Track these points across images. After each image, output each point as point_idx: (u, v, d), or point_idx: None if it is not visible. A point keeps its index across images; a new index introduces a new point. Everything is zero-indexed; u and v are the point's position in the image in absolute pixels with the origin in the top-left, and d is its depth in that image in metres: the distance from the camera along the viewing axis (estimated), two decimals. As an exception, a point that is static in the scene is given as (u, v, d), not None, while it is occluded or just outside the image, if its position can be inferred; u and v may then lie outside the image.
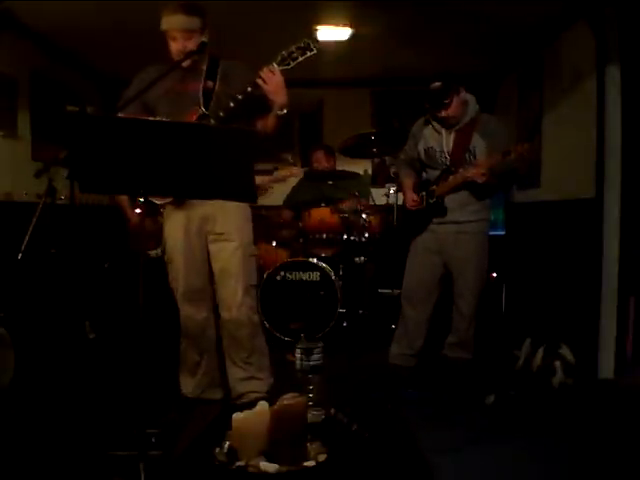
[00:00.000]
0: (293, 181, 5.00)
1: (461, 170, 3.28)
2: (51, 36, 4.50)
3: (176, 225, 2.88)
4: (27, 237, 3.26)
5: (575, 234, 3.97)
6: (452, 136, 3.35)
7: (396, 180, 4.34)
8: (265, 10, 3.97)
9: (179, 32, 2.69)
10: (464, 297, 3.37)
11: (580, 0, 3.71)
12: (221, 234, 2.86)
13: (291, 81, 2.74)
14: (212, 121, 2.71)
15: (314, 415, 2.50)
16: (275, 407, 2.10)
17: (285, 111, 2.76)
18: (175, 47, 2.72)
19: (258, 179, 4.58)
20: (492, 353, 3.81)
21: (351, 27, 4.39)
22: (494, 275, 4.64)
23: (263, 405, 2.14)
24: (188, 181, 2.09)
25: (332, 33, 4.43)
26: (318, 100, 6.03)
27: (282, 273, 4.36)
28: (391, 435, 2.73)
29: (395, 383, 3.40)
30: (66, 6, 3.81)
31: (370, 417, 2.83)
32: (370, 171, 6.05)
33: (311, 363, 2.69)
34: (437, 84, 3.26)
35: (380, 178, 5.92)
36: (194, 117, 2.75)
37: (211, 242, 2.89)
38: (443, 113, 3.28)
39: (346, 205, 4.53)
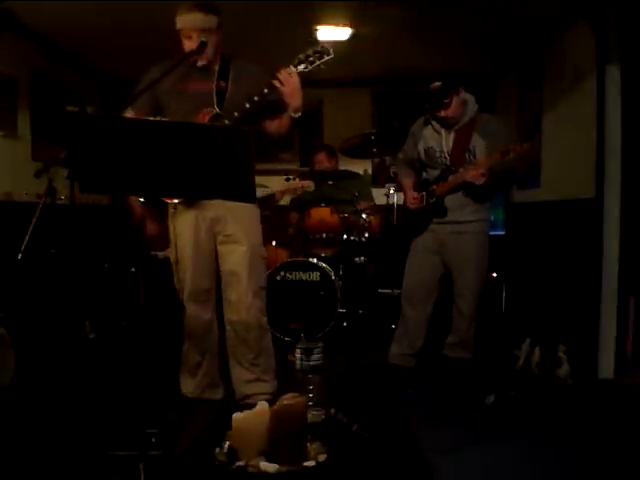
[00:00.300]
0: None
1: (461, 170, 3.28)
2: (51, 36, 4.50)
3: (186, 225, 2.85)
4: (27, 237, 3.25)
5: (575, 234, 3.97)
6: (452, 136, 3.35)
7: (396, 180, 4.34)
8: (265, 10, 3.97)
9: (195, 31, 2.67)
10: (464, 297, 3.37)
11: (580, 0, 3.71)
12: (231, 235, 2.85)
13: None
14: (226, 121, 2.69)
15: (314, 415, 2.51)
16: (275, 407, 2.11)
17: (299, 114, 2.74)
18: (189, 46, 2.70)
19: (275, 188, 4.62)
20: (492, 353, 3.82)
21: (351, 27, 4.39)
22: (494, 275, 4.63)
23: (263, 405, 2.14)
24: (188, 181, 2.08)
25: (332, 33, 4.43)
26: (318, 100, 6.03)
27: (282, 273, 4.37)
28: (391, 435, 2.73)
29: (395, 383, 3.39)
30: (66, 6, 3.81)
31: (370, 417, 2.84)
32: (370, 171, 6.05)
33: (311, 363, 2.69)
34: (437, 84, 3.26)
35: (380, 178, 5.92)
36: (207, 117, 2.73)
37: (220, 243, 2.87)
38: (443, 113, 3.28)
39: (361, 206, 4.52)
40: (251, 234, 2.89)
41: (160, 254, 4.26)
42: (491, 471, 2.43)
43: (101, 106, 5.71)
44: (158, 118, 2.69)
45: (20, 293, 3.53)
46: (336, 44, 4.58)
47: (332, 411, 2.59)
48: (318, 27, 4.35)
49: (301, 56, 2.67)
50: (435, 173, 3.45)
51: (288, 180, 4.80)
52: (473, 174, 3.18)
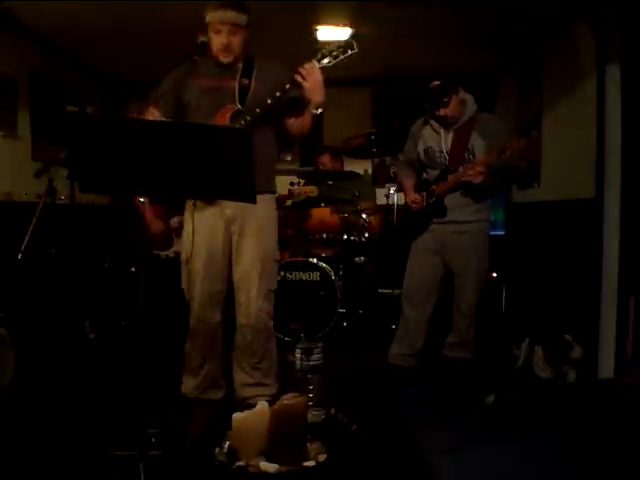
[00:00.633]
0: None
1: (460, 169, 3.29)
2: (51, 36, 4.50)
3: (205, 223, 2.80)
4: (27, 237, 3.26)
5: (575, 234, 3.97)
6: (450, 135, 3.35)
7: (396, 181, 4.34)
8: (265, 10, 3.97)
9: (227, 26, 2.67)
10: (464, 297, 3.37)
11: (580, 0, 3.72)
12: (246, 236, 2.80)
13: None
14: (247, 117, 2.67)
15: (314, 415, 2.51)
16: (275, 407, 2.11)
17: (320, 110, 2.72)
18: (219, 40, 2.69)
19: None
20: (492, 353, 3.82)
21: (351, 27, 4.39)
22: (494, 275, 4.64)
23: (263, 405, 2.15)
24: (188, 181, 2.09)
25: (332, 33, 4.43)
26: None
27: (282, 273, 4.36)
28: (391, 435, 2.73)
29: (395, 383, 3.39)
30: (66, 6, 3.81)
31: (370, 417, 2.84)
32: (370, 171, 6.05)
33: (311, 363, 2.70)
34: (436, 83, 3.27)
35: (380, 178, 5.93)
36: (229, 113, 2.72)
37: (235, 243, 2.83)
38: (442, 112, 3.28)
39: (362, 206, 4.51)
40: (266, 236, 2.85)
41: (162, 253, 4.26)
42: (491, 471, 2.43)
43: (101, 106, 5.72)
44: (165, 119, 2.66)
45: (20, 293, 3.53)
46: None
47: (332, 411, 2.60)
48: (318, 27, 4.35)
49: (324, 51, 2.65)
50: (435, 173, 3.45)
51: (292, 185, 4.79)
52: (471, 173, 3.18)
